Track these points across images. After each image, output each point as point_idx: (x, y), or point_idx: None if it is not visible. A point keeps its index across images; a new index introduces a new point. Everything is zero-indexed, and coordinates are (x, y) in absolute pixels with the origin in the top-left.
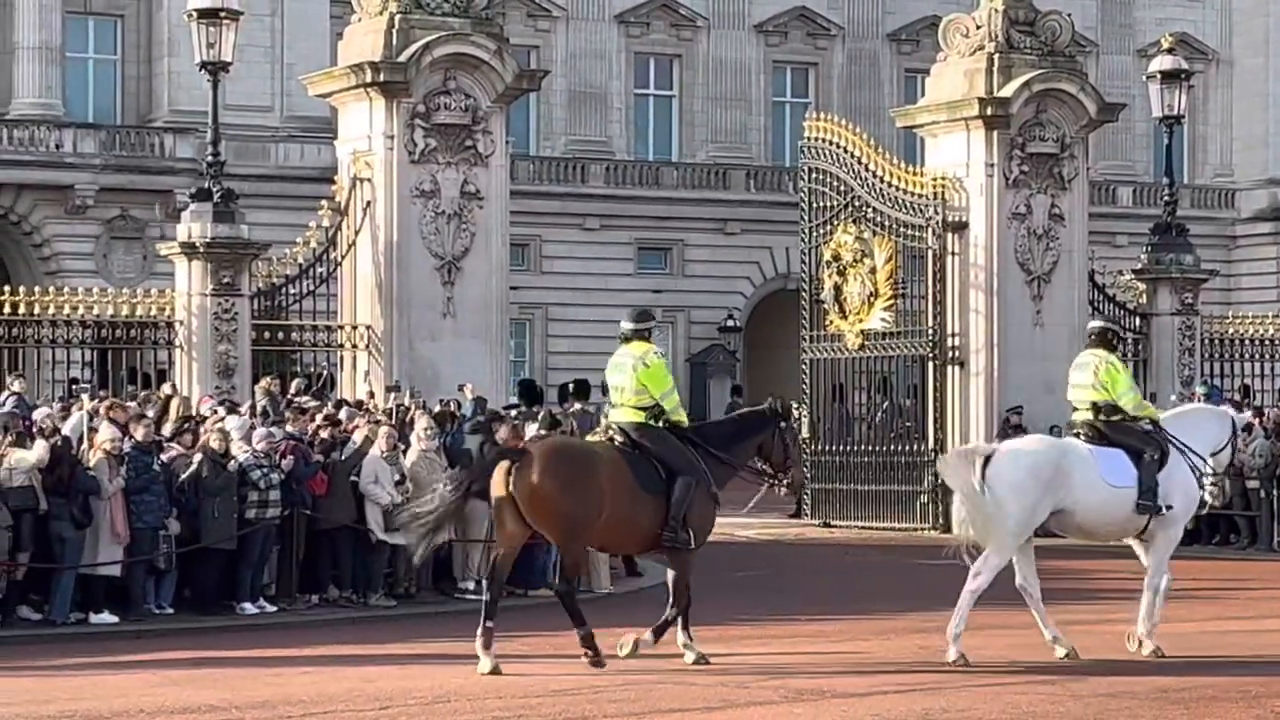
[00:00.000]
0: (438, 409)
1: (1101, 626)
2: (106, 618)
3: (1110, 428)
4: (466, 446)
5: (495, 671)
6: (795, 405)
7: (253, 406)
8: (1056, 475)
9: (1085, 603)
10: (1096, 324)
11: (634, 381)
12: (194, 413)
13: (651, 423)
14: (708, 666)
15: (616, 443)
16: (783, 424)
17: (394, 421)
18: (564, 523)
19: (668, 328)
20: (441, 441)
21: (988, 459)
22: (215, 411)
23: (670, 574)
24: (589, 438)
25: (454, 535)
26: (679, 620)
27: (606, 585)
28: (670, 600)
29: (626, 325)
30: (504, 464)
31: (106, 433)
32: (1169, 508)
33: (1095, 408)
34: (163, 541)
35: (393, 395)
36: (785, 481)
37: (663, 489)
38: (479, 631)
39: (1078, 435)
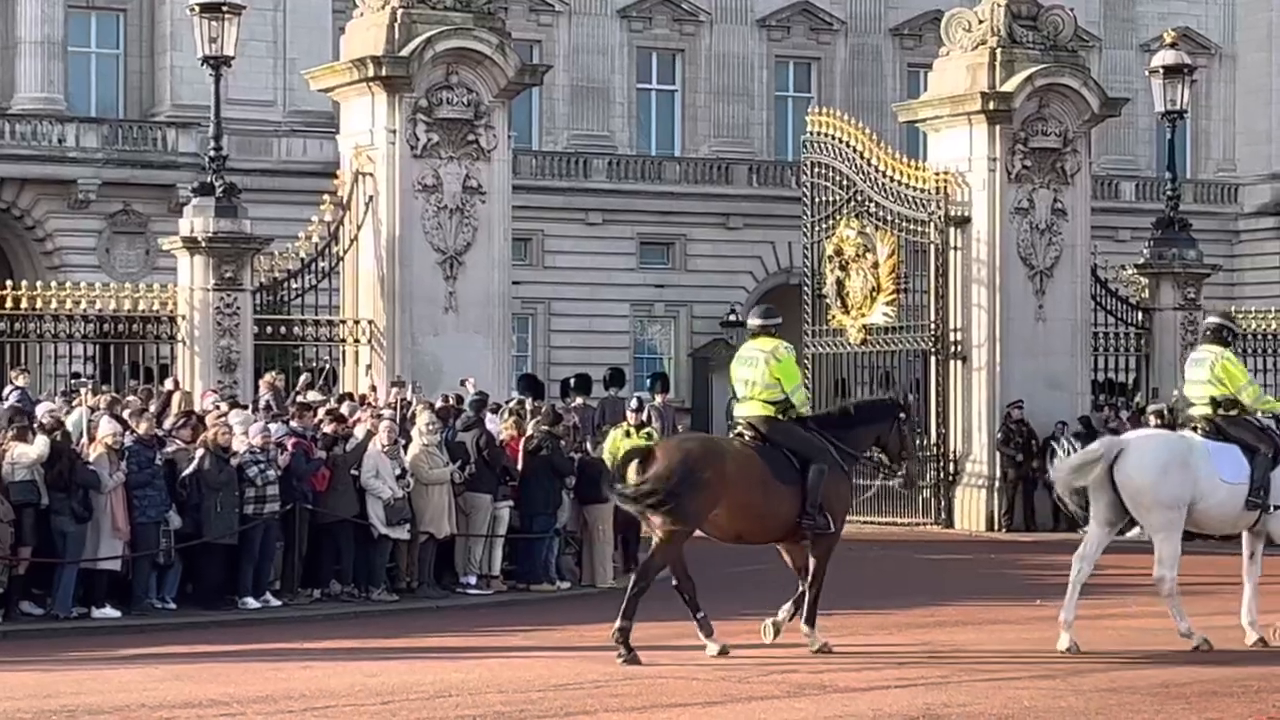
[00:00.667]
0: (439, 404)
1: (1102, 621)
2: (109, 612)
3: (1228, 423)
4: (460, 440)
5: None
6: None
7: (256, 401)
8: (1184, 469)
9: (1084, 597)
10: (1212, 320)
11: (766, 375)
12: (195, 408)
13: (778, 416)
14: (707, 661)
15: (746, 438)
16: (901, 415)
17: (396, 416)
18: (674, 518)
19: (669, 322)
20: (444, 436)
21: (1117, 456)
22: (217, 406)
23: (811, 560)
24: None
25: (455, 530)
26: (795, 601)
27: (609, 580)
28: (807, 583)
29: (755, 321)
30: (634, 462)
31: (107, 427)
32: (1277, 508)
33: (1214, 403)
34: (164, 536)
35: (395, 390)
36: (900, 473)
37: (798, 479)
38: (696, 624)
39: (1195, 430)
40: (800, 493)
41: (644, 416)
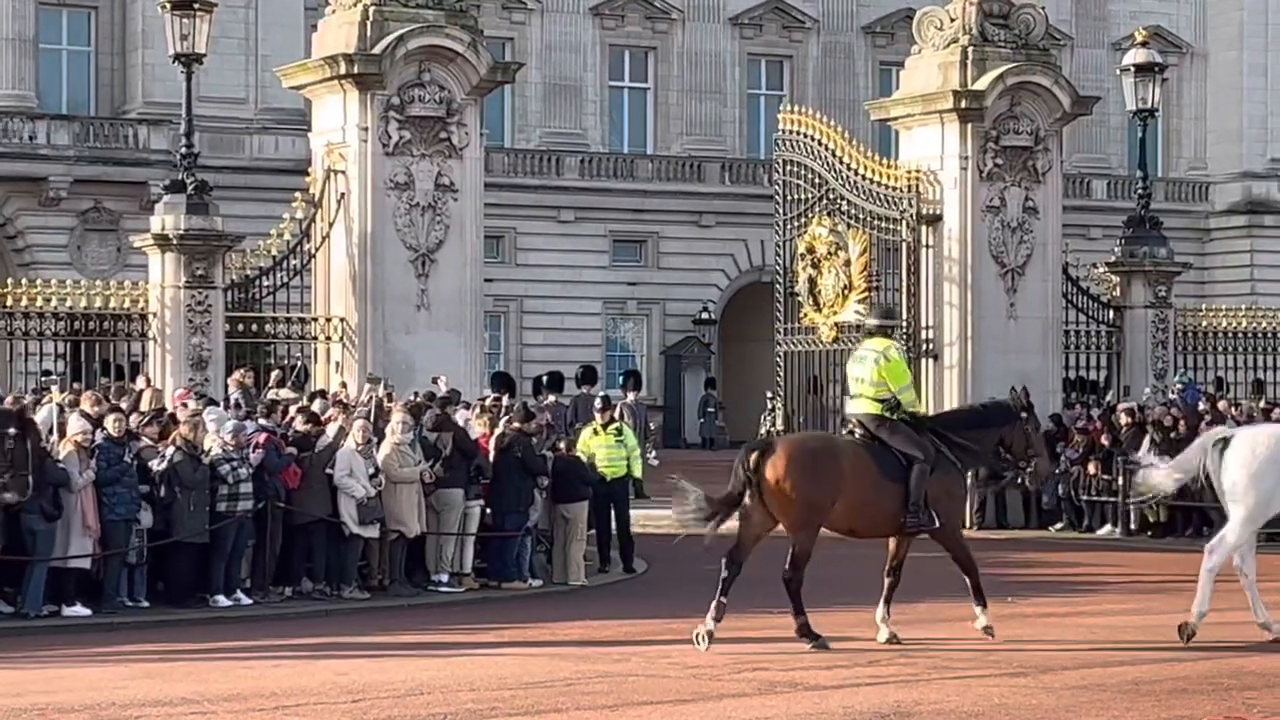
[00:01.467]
0: (411, 401)
1: (1073, 619)
2: (79, 611)
3: None
4: (426, 436)
5: (709, 636)
6: (772, 395)
7: (226, 399)
8: None
9: (1056, 595)
10: None
11: (874, 374)
12: (165, 405)
13: (887, 414)
14: (679, 659)
15: (857, 435)
16: (1024, 416)
17: (370, 414)
18: (797, 510)
19: (642, 320)
20: (416, 435)
21: (1225, 442)
22: (185, 405)
23: (890, 547)
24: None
25: (425, 528)
26: (886, 596)
27: (581, 579)
28: (967, 579)
29: (871, 321)
30: (753, 454)
31: (76, 425)
32: None
33: None
34: (135, 535)
35: (368, 386)
36: (1028, 470)
37: (904, 476)
38: (712, 605)
39: None
40: (906, 490)
41: (613, 414)
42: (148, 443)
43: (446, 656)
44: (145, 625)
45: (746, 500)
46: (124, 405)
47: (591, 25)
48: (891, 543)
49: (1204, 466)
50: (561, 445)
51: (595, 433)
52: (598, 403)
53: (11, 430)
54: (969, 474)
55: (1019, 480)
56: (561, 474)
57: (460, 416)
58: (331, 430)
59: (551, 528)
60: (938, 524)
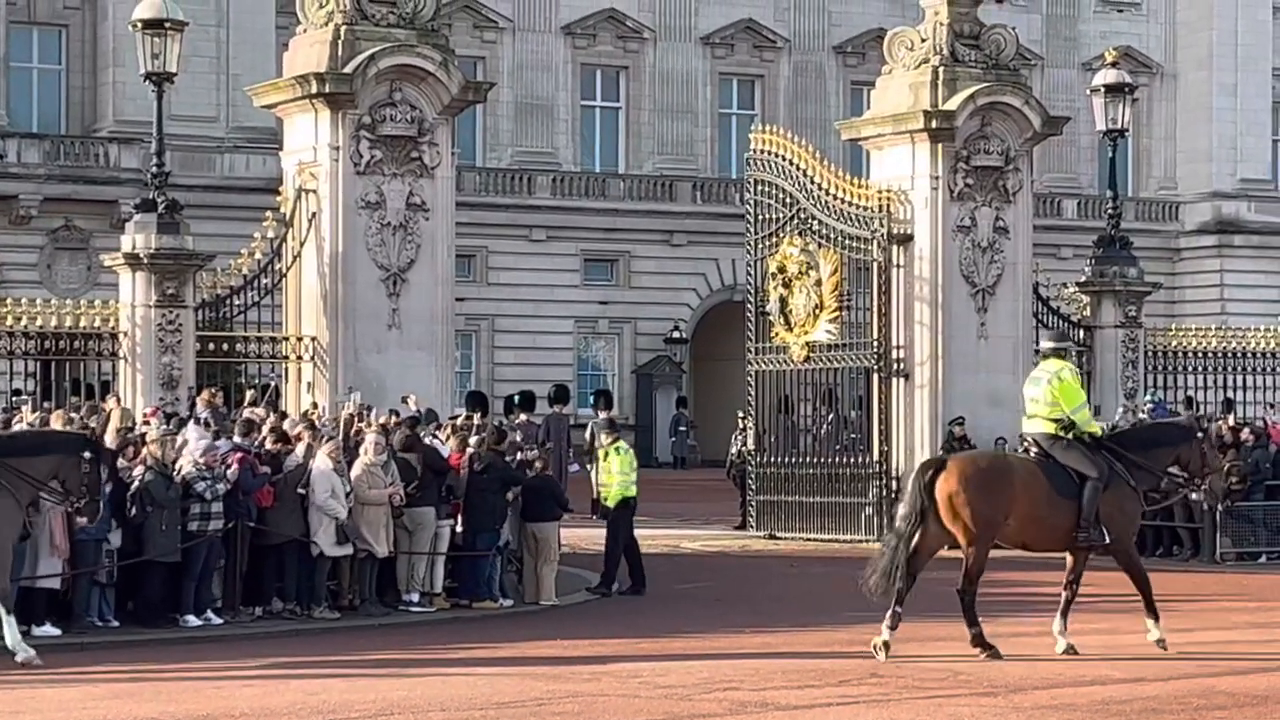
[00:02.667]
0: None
1: (1044, 639)
2: (48, 630)
3: None
4: (404, 456)
5: (885, 646)
6: (743, 414)
7: (194, 418)
8: None
9: (1027, 614)
10: None
11: (1048, 394)
12: (134, 424)
13: (1061, 433)
14: (649, 679)
15: (1031, 453)
16: (1199, 435)
17: (341, 432)
18: (972, 526)
19: (613, 339)
20: (390, 455)
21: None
22: (148, 423)
23: (1069, 562)
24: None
25: (393, 549)
26: (1062, 610)
27: (551, 598)
28: (1140, 594)
29: (1046, 344)
30: (927, 473)
31: None
32: None
33: None
34: (105, 555)
35: (343, 402)
36: (1203, 487)
37: (1076, 493)
38: (888, 615)
39: None
40: (1078, 507)
41: (619, 435)
42: (123, 462)
43: (417, 676)
44: (115, 645)
45: (922, 516)
46: (94, 425)
47: (563, 44)
48: (1069, 558)
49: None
50: (537, 463)
51: (607, 455)
52: (603, 424)
53: (86, 454)
54: (1143, 492)
55: (1189, 497)
56: (534, 492)
57: (434, 438)
58: (301, 450)
59: (521, 547)
60: (1108, 540)
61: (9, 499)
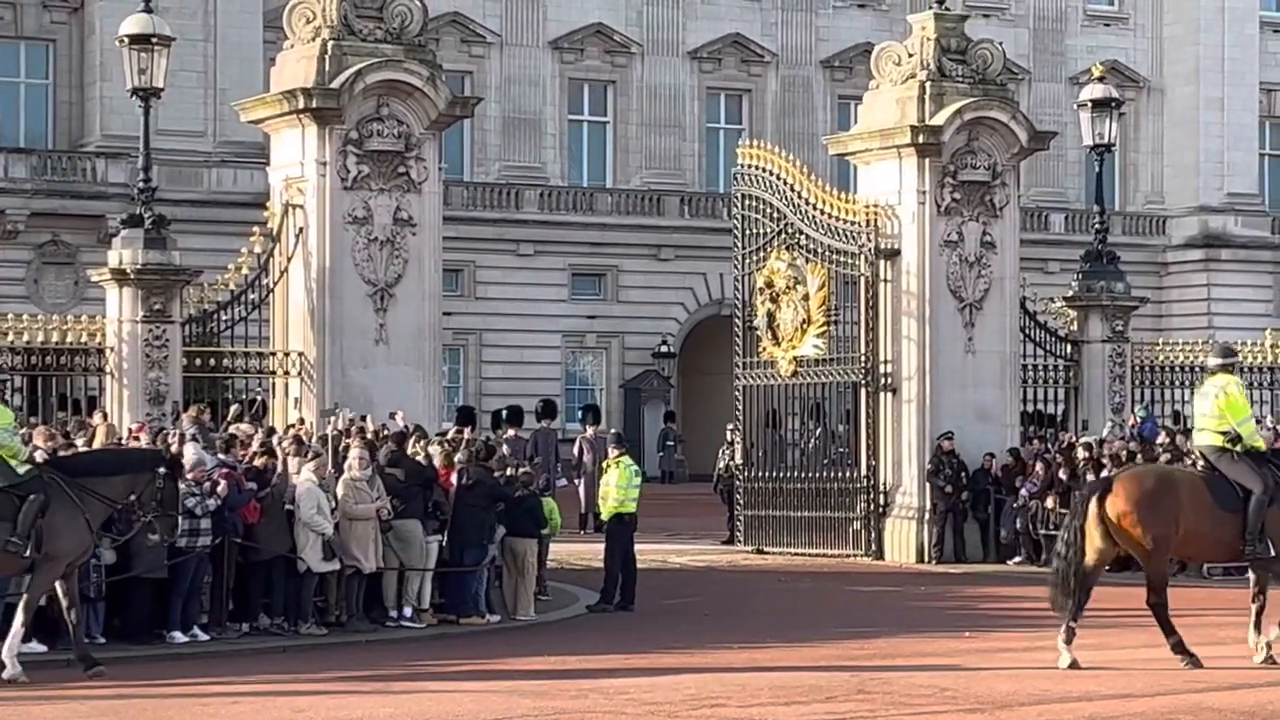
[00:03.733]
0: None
1: (1031, 654)
2: (35, 647)
3: None
4: (391, 472)
5: (1074, 666)
6: (731, 429)
7: (181, 435)
8: None
9: (1014, 629)
10: None
11: (1215, 408)
12: (121, 440)
13: (1228, 446)
14: (637, 697)
15: (1198, 467)
16: None
17: (329, 448)
18: (1146, 540)
19: (601, 354)
20: (375, 470)
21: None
22: (137, 439)
23: (1251, 576)
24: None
25: (382, 564)
26: (1254, 621)
27: (529, 613)
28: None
29: (1214, 360)
30: (1094, 495)
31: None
32: None
33: None
34: (93, 570)
35: (328, 420)
36: None
37: (1240, 507)
38: (1062, 629)
39: None
40: (1243, 520)
41: (624, 449)
42: None
43: (404, 693)
44: (102, 661)
45: (1093, 531)
46: (80, 441)
47: (551, 59)
48: (1251, 572)
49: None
50: (522, 479)
51: (609, 468)
52: (611, 439)
53: (161, 470)
54: None
55: None
56: (515, 508)
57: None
58: (292, 465)
59: (503, 562)
60: (1273, 553)
61: (80, 517)
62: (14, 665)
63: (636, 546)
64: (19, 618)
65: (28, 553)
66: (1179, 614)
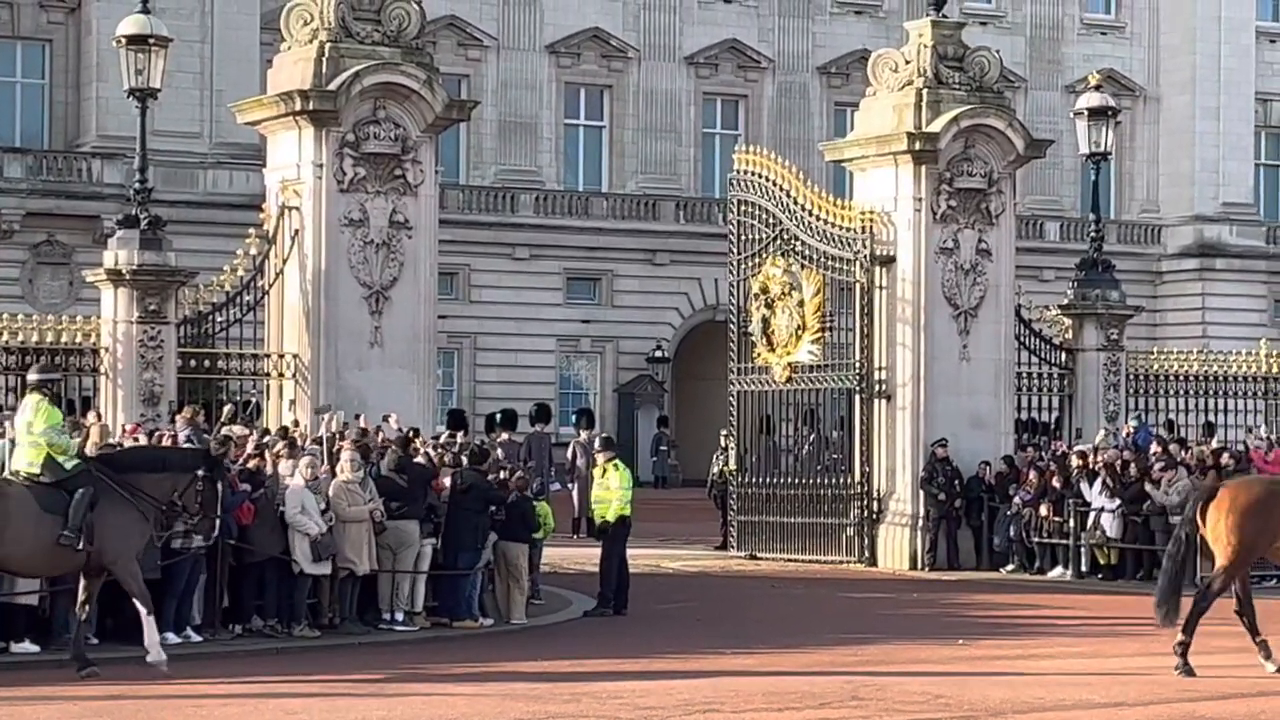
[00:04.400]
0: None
1: (1024, 662)
2: (27, 647)
3: None
4: (389, 475)
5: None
6: (725, 434)
7: (174, 437)
8: None
9: (1007, 637)
10: None
11: None
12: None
13: None
14: (629, 700)
15: None
16: None
17: (322, 450)
18: (1233, 549)
19: (595, 358)
20: (367, 472)
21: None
22: (135, 439)
23: None
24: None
25: (375, 566)
26: None
27: (521, 618)
28: None
29: None
30: (1200, 501)
31: None
32: None
33: None
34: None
35: (322, 419)
36: None
37: None
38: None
39: None
40: None
41: (614, 453)
42: None
43: (397, 696)
44: (95, 662)
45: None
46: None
47: (547, 63)
48: None
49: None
50: (512, 482)
51: (604, 472)
52: (598, 443)
53: (202, 471)
54: None
55: None
56: (508, 513)
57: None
58: (284, 467)
59: (496, 566)
60: None
61: (134, 511)
62: (159, 653)
63: (630, 551)
64: (142, 610)
65: (80, 545)
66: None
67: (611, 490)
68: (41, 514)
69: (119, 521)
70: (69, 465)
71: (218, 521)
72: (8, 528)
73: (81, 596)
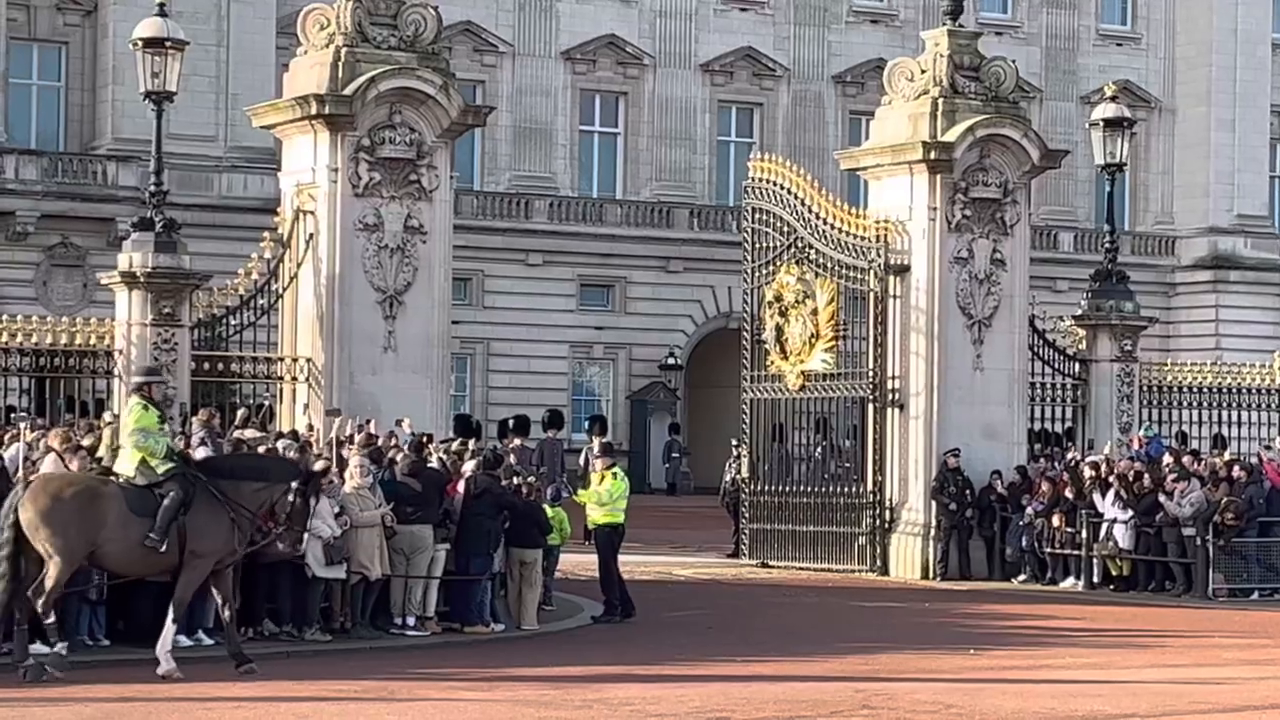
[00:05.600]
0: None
1: (1035, 672)
2: (38, 648)
3: None
4: (405, 480)
5: None
6: (737, 442)
7: (189, 440)
8: None
9: (1019, 647)
10: None
11: None
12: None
13: None
14: (637, 705)
15: None
16: None
17: (334, 454)
18: None
19: (609, 365)
20: (377, 478)
21: None
22: None
23: None
24: None
25: (388, 571)
26: None
27: (533, 623)
28: None
29: None
30: None
31: (49, 465)
32: None
33: None
34: (95, 573)
35: (335, 422)
36: None
37: None
38: None
39: None
40: None
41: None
42: None
43: (409, 701)
44: (105, 664)
45: None
46: (87, 442)
47: (563, 69)
48: None
49: None
50: (524, 488)
51: (602, 478)
52: (597, 448)
53: (295, 484)
54: None
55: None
56: (521, 518)
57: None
58: None
59: (508, 571)
60: None
61: (223, 517)
62: (168, 662)
63: (642, 558)
64: (170, 615)
65: (164, 548)
66: (1183, 635)
67: (603, 499)
68: (130, 515)
69: (208, 526)
70: (160, 469)
71: (304, 535)
72: (102, 528)
73: (219, 598)
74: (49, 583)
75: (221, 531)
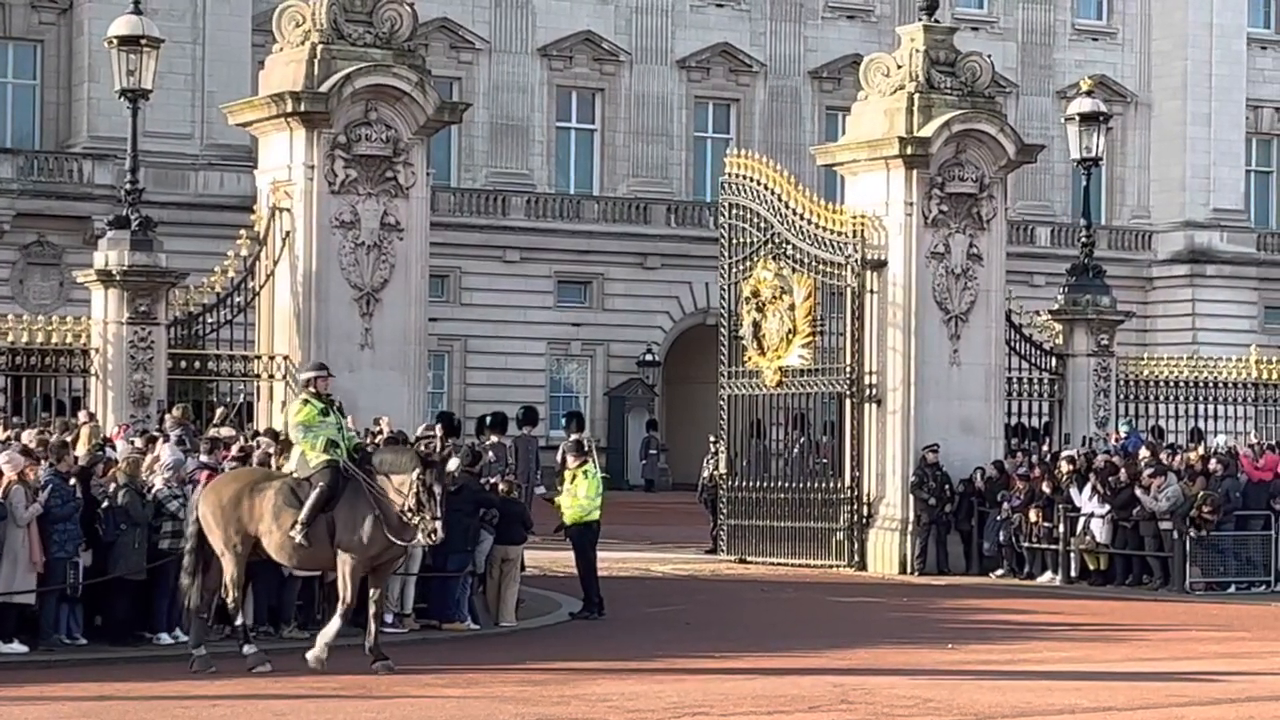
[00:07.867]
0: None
1: (1013, 666)
2: (16, 647)
3: None
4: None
5: None
6: (715, 438)
7: (166, 436)
8: None
9: (996, 642)
10: None
11: None
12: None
13: None
14: (617, 703)
15: None
16: None
17: None
18: None
19: (586, 361)
20: None
21: None
22: (132, 442)
23: None
24: None
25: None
26: None
27: (511, 620)
28: None
29: None
30: None
31: (22, 461)
32: None
33: None
34: (71, 571)
35: None
36: None
37: None
38: None
39: None
40: None
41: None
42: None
43: (386, 698)
44: (83, 663)
45: None
46: (68, 439)
47: (539, 66)
48: None
49: None
50: (501, 485)
51: (574, 478)
52: (568, 445)
53: (417, 472)
54: None
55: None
56: (502, 515)
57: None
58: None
59: (488, 568)
60: None
61: (365, 513)
62: (321, 650)
63: (620, 554)
64: (338, 611)
65: (303, 539)
66: (1160, 629)
67: (577, 498)
68: (283, 508)
69: (350, 520)
70: (313, 461)
71: (438, 525)
72: (259, 522)
73: (373, 593)
74: (226, 579)
75: (363, 525)
